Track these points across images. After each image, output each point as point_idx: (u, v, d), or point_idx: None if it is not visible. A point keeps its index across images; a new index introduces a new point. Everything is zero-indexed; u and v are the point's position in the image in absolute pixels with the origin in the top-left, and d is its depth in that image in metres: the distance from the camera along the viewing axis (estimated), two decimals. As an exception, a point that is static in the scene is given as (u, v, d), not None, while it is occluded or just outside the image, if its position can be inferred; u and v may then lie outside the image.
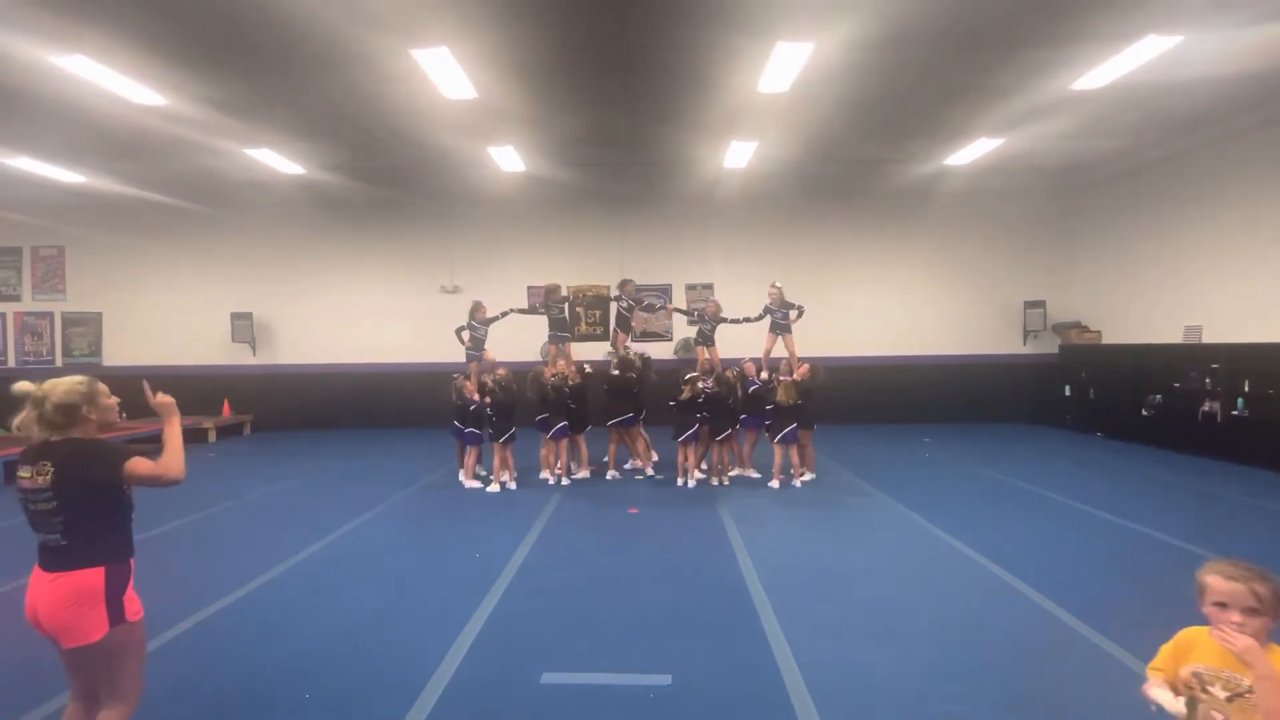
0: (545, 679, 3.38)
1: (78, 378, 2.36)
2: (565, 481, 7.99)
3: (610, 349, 9.25)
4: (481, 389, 7.88)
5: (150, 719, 2.82)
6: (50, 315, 13.38)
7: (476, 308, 8.62)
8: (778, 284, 8.73)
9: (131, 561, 2.43)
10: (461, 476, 8.02)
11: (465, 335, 8.56)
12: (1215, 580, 1.84)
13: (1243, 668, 1.76)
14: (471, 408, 7.81)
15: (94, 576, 2.29)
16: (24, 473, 2.28)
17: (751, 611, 4.18)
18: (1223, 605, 1.81)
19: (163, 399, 2.53)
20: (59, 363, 13.28)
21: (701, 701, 3.17)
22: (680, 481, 7.78)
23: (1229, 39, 6.48)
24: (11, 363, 13.36)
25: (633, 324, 9.27)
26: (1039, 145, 10.22)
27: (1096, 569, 4.92)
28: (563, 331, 8.82)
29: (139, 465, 2.33)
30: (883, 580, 4.76)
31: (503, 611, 4.24)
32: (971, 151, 10.29)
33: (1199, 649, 1.89)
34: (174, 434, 2.48)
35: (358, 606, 4.35)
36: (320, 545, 5.71)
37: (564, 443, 8.04)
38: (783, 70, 7.05)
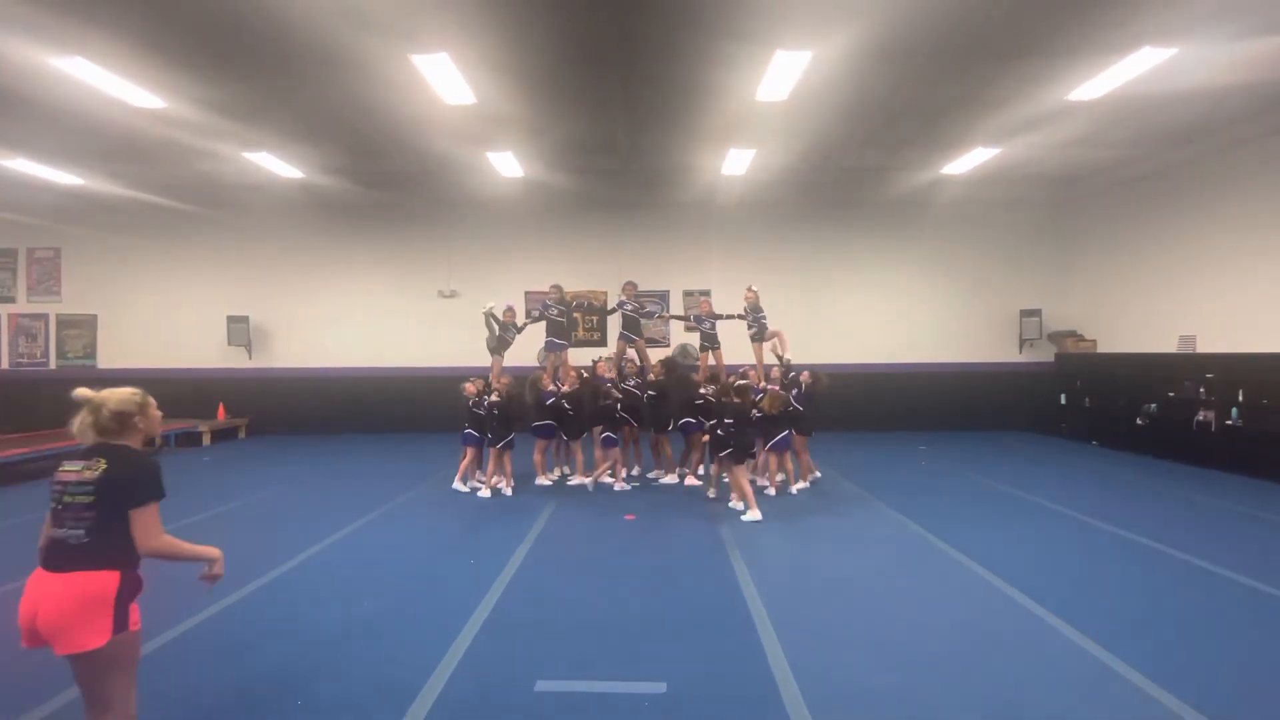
0: (539, 686, 3.36)
1: (131, 389, 2.49)
2: (545, 482, 8.05)
3: (626, 357, 9.10)
4: (484, 391, 7.85)
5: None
6: (45, 317, 13.32)
7: (506, 311, 8.78)
8: (754, 287, 8.73)
9: (140, 573, 2.43)
10: (456, 483, 7.97)
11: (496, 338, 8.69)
12: None
13: None
14: (471, 404, 7.76)
15: (108, 580, 2.30)
16: (72, 467, 2.35)
17: (747, 619, 4.17)
18: None
19: (211, 562, 2.57)
20: (53, 365, 13.22)
21: (697, 709, 3.15)
22: (744, 507, 6.70)
23: (1223, 51, 6.54)
24: (5, 365, 13.29)
25: (641, 328, 9.17)
26: (1035, 155, 10.29)
27: (1092, 577, 4.92)
28: (560, 338, 8.79)
29: (145, 515, 2.36)
30: (878, 588, 4.75)
31: (497, 618, 4.22)
32: (968, 160, 10.35)
33: None
34: (186, 551, 2.50)
35: (352, 612, 4.32)
36: (314, 551, 5.68)
37: (553, 442, 8.06)
38: (781, 78, 7.08)
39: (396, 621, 4.18)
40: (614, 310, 9.22)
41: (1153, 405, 10.12)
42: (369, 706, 3.19)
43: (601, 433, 8.03)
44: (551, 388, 8.08)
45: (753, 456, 6.85)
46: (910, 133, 9.35)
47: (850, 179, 11.72)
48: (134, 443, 2.47)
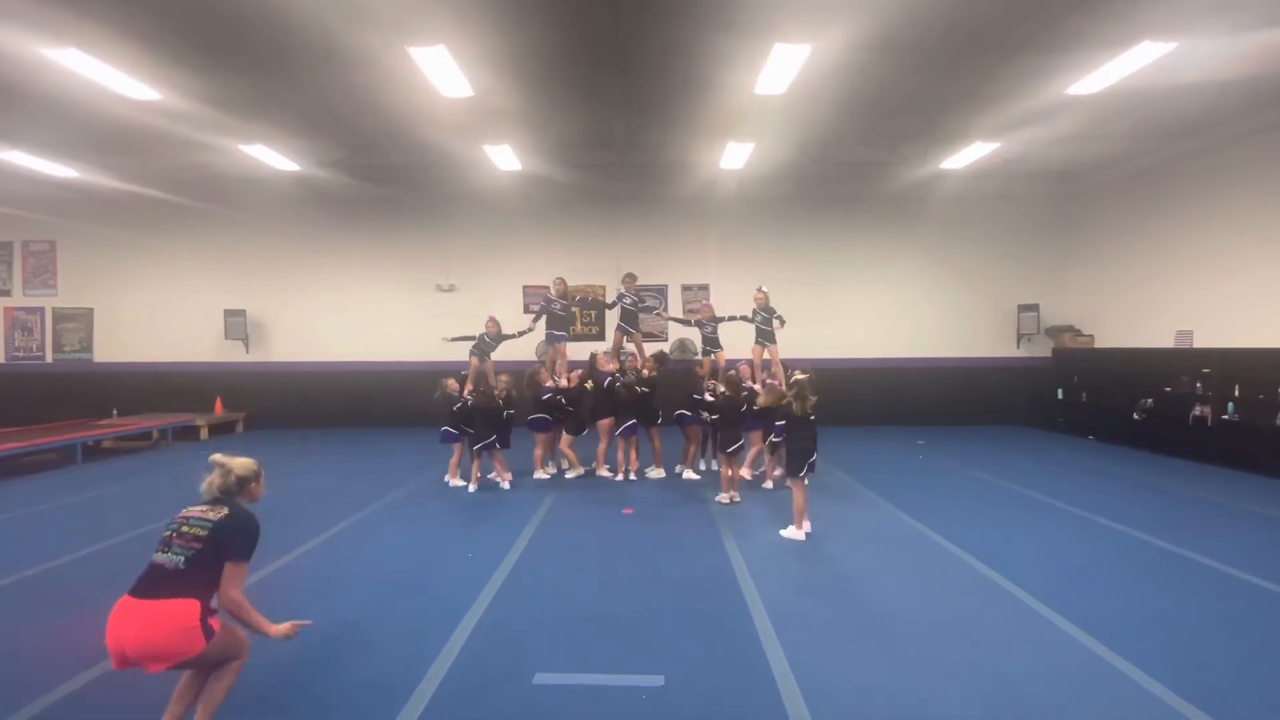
0: (538, 679, 3.37)
1: (249, 460, 3.00)
2: (543, 475, 8.07)
3: (625, 351, 9.06)
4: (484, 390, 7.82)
5: (137, 719, 2.80)
6: (41, 311, 13.27)
7: (488, 322, 8.78)
8: (764, 288, 8.67)
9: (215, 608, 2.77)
10: (447, 477, 7.93)
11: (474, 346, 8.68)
12: None
13: None
14: (456, 406, 7.73)
15: (190, 607, 2.61)
16: (198, 509, 2.80)
17: (744, 612, 4.18)
18: None
19: (284, 631, 2.89)
20: (49, 358, 13.18)
21: (694, 702, 3.17)
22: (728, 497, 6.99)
23: (1222, 46, 6.53)
24: (1, 358, 13.24)
25: (640, 322, 9.14)
26: (1034, 149, 10.29)
27: (1087, 571, 4.94)
28: (560, 331, 8.79)
29: (237, 570, 2.74)
30: (875, 582, 4.77)
31: (495, 612, 4.23)
32: (967, 155, 10.34)
33: None
34: (252, 616, 2.79)
35: (349, 607, 4.32)
36: (312, 545, 5.69)
37: (549, 436, 8.05)
38: (780, 72, 7.06)
39: (395, 615, 4.19)
40: (613, 304, 9.22)
41: (1149, 400, 10.14)
42: (368, 699, 3.19)
43: (619, 426, 7.98)
44: (550, 383, 8.07)
45: (813, 470, 5.78)
46: (909, 127, 9.34)
47: (848, 173, 11.71)
48: (244, 501, 2.94)
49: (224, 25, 6.26)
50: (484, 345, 8.63)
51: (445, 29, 6.28)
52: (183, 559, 2.65)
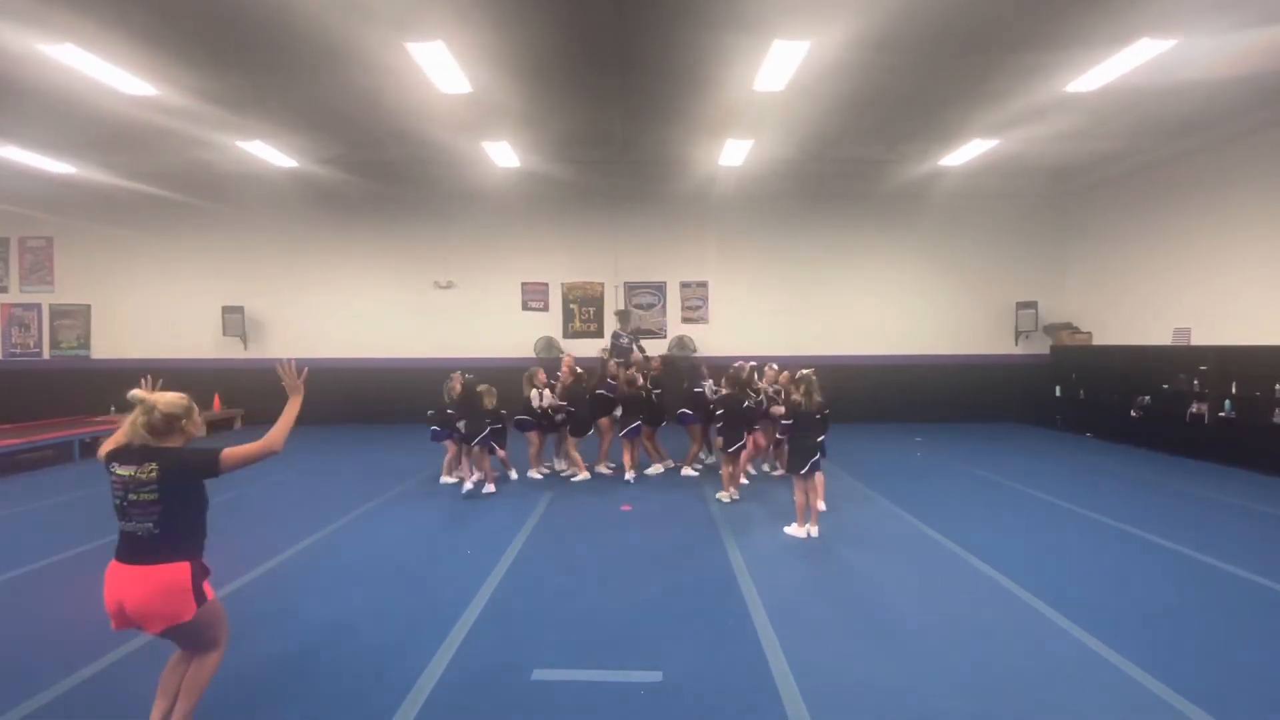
0: (536, 675, 3.37)
1: (179, 394, 2.66)
2: (536, 475, 8.05)
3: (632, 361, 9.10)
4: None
5: (139, 715, 2.81)
6: (38, 307, 13.24)
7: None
8: (774, 366, 8.57)
9: (206, 561, 2.68)
10: (443, 477, 7.90)
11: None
12: None
13: None
14: (449, 411, 7.68)
15: (181, 570, 2.53)
16: (124, 471, 2.51)
17: (743, 609, 4.19)
18: None
19: (295, 382, 2.96)
20: (46, 355, 13.15)
21: (692, 698, 3.17)
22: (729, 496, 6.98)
23: (1222, 43, 6.53)
24: (-2, 355, 13.23)
25: (632, 357, 9.23)
26: (1033, 147, 10.29)
27: (1084, 567, 4.96)
28: (621, 355, 9.00)
29: (234, 453, 2.62)
30: (873, 578, 4.78)
31: (494, 608, 4.23)
32: (965, 152, 10.34)
33: None
34: (289, 412, 2.82)
35: (348, 603, 4.33)
36: (310, 541, 5.68)
37: (532, 434, 8.09)
38: (779, 68, 7.05)
39: (394, 611, 4.19)
40: (611, 348, 9.31)
41: (1146, 397, 10.15)
42: (367, 695, 3.20)
43: (623, 426, 7.96)
44: (545, 388, 8.01)
45: (818, 468, 5.72)
46: (907, 124, 9.33)
47: (847, 170, 11.70)
48: (177, 444, 2.62)
49: (221, 21, 6.24)
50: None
51: (443, 25, 6.27)
52: (151, 524, 2.48)
